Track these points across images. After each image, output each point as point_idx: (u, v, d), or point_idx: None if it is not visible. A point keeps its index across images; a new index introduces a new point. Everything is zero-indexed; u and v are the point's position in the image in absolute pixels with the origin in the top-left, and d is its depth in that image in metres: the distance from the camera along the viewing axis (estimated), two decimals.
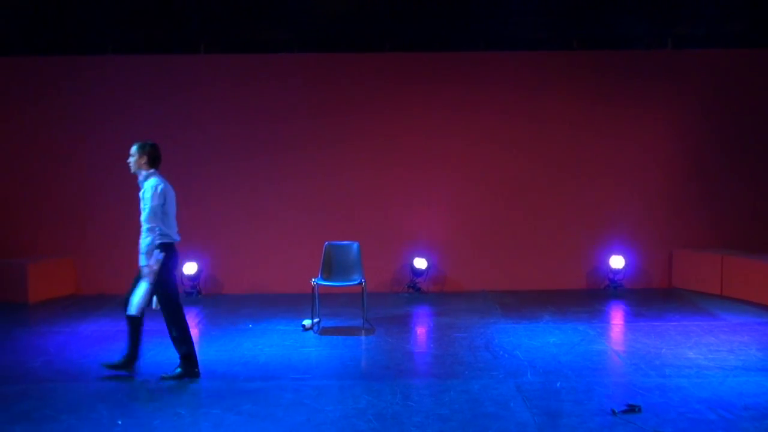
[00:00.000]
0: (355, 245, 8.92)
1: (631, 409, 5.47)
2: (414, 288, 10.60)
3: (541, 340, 7.76)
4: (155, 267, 6.31)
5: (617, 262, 10.55)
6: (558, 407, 5.62)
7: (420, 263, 10.56)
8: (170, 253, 6.43)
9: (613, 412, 5.42)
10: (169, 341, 6.62)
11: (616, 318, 9.26)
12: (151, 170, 6.61)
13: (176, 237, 6.53)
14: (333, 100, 10.83)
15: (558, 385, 6.20)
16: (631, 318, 9.17)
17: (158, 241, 6.33)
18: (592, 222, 10.84)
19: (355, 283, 8.53)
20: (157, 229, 6.34)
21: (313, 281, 8.44)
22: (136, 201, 10.52)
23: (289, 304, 9.73)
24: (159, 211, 6.36)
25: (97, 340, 7.95)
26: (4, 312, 9.49)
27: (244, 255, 10.82)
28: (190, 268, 10.43)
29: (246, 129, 10.80)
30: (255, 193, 10.82)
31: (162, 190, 6.43)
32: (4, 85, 10.73)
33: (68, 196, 10.69)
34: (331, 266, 8.84)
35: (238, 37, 11.04)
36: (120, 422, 5.37)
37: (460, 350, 7.39)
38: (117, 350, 7.42)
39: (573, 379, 6.36)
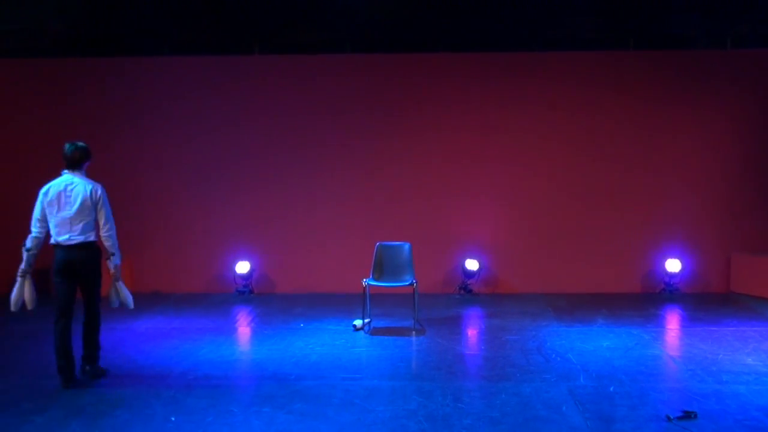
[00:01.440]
0: (407, 246, 8.90)
1: (687, 415, 5.37)
2: (465, 289, 10.55)
3: (595, 344, 7.66)
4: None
5: (673, 265, 10.37)
6: (611, 412, 5.54)
7: (471, 264, 10.51)
8: (54, 255, 6.35)
9: (668, 419, 5.32)
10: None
11: (672, 322, 9.10)
12: (63, 171, 6.50)
13: (54, 239, 6.36)
14: (386, 101, 10.84)
15: (611, 389, 6.11)
16: (687, 323, 9.01)
17: (29, 244, 6.36)
18: (648, 224, 10.67)
19: (407, 283, 8.51)
20: (34, 231, 6.34)
21: (365, 281, 8.45)
22: (189, 199, 10.81)
23: (340, 304, 9.76)
24: (36, 216, 6.32)
25: (152, 337, 8.07)
26: None
27: (297, 254, 10.89)
28: (242, 267, 10.55)
29: (299, 129, 10.86)
30: (307, 193, 10.88)
31: (40, 195, 6.35)
32: (62, 86, 10.95)
33: (125, 196, 10.85)
34: (383, 267, 8.84)
35: (291, 38, 11.12)
36: (173, 419, 5.44)
37: (512, 353, 7.34)
38: (170, 347, 7.56)
39: (627, 383, 6.27)
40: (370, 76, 10.89)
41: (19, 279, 6.40)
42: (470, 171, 10.76)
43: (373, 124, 10.83)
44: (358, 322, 8.44)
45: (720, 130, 10.65)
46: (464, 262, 10.55)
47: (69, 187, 6.37)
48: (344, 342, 7.83)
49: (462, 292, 10.56)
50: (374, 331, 8.30)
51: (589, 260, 10.72)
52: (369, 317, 8.51)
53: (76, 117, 10.83)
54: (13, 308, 6.43)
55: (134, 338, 8.01)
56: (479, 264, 10.55)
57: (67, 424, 5.34)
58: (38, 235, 6.34)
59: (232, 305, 9.98)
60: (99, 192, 6.44)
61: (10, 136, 10.95)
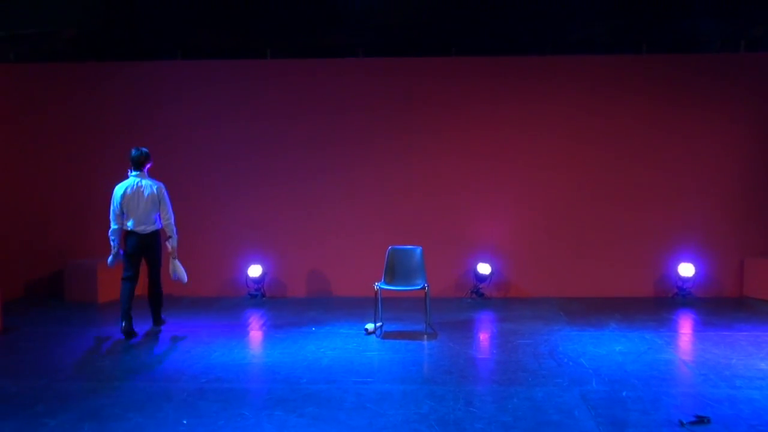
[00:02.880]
0: (419, 250, 8.89)
1: (700, 420, 5.34)
2: (477, 293, 10.54)
3: (607, 348, 7.63)
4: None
5: (686, 269, 10.33)
6: (624, 417, 5.52)
7: (484, 268, 10.49)
8: (126, 239, 8.23)
9: (681, 424, 5.30)
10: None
11: (685, 327, 9.05)
12: (128, 171, 8.24)
13: (128, 227, 8.17)
14: (398, 105, 10.83)
15: (624, 394, 6.09)
16: (700, 327, 8.96)
17: (112, 235, 8.19)
18: (660, 228, 10.63)
19: (418, 287, 8.50)
20: (112, 223, 8.12)
21: (376, 285, 8.45)
22: (201, 203, 10.85)
23: (352, 307, 9.77)
24: (115, 211, 8.11)
25: (164, 341, 8.09)
26: (74, 311, 9.74)
27: (309, 258, 10.90)
28: (254, 270, 10.57)
29: (312, 132, 10.87)
30: (320, 197, 10.88)
31: (114, 195, 8.12)
32: (77, 90, 11.01)
33: None
34: (394, 270, 8.83)
35: (304, 42, 11.14)
36: (185, 422, 5.45)
37: (524, 357, 7.32)
38: (182, 350, 7.58)
39: (639, 388, 6.24)
40: (383, 79, 10.89)
41: (112, 255, 8.22)
42: (483, 175, 10.75)
43: (386, 127, 10.83)
44: (369, 326, 8.43)
45: (734, 134, 10.60)
46: (476, 266, 10.54)
47: (140, 187, 8.11)
48: (356, 346, 7.82)
49: (474, 296, 10.55)
50: (386, 335, 8.30)
51: (601, 264, 10.69)
52: (381, 321, 8.50)
53: (90, 120, 10.91)
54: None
55: (146, 341, 8.04)
56: (491, 268, 10.53)
57: (80, 427, 5.35)
58: (118, 226, 8.14)
59: (244, 309, 10.00)
60: (162, 189, 8.23)
61: (26, 140, 11.02)
